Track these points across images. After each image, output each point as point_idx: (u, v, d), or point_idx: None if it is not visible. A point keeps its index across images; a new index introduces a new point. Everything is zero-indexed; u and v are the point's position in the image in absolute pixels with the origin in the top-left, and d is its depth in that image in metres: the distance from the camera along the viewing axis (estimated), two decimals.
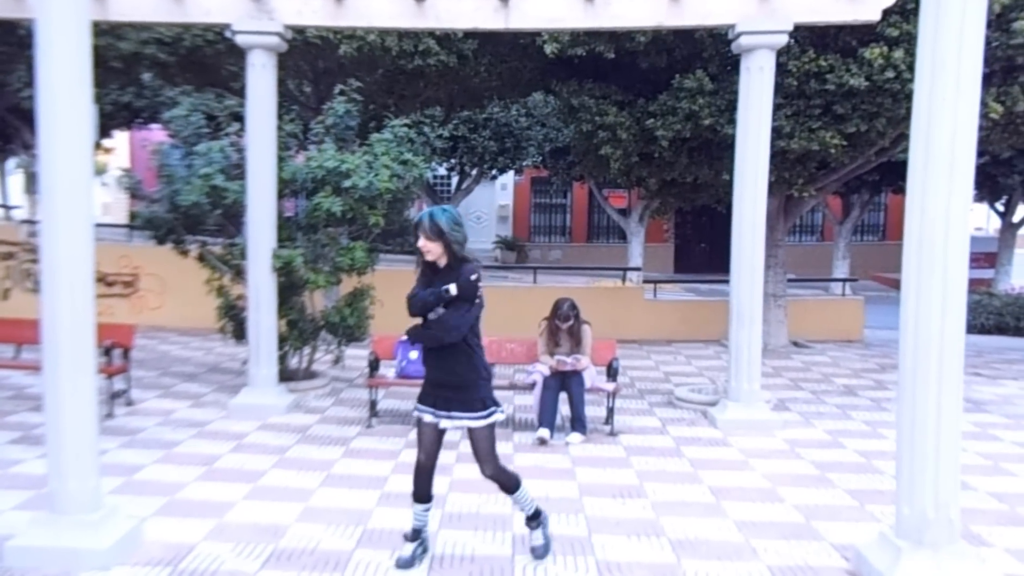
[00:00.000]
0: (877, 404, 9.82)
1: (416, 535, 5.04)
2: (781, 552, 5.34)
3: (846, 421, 8.98)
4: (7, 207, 23.92)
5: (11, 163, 25.38)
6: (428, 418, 4.84)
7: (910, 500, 4.73)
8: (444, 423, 4.82)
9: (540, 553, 5.10)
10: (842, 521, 5.93)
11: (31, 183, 21.63)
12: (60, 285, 4.80)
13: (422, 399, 4.90)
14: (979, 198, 19.65)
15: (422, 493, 4.97)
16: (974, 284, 5.31)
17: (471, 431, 4.84)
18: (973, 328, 9.35)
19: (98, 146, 20.77)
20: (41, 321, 4.84)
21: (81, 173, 4.84)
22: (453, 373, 4.77)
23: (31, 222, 15.27)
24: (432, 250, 4.64)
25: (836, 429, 8.59)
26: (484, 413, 4.81)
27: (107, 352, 8.38)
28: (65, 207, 4.78)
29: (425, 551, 5.10)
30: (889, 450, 6.86)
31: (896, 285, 5.04)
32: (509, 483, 5.01)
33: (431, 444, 4.91)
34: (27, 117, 17.31)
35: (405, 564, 4.94)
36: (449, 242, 4.62)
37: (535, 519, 5.12)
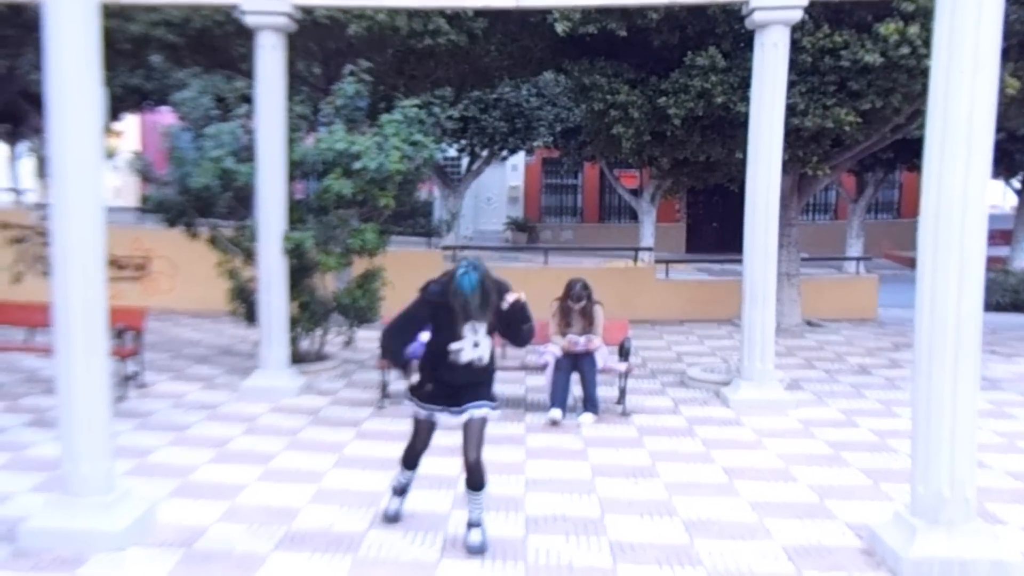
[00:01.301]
0: (891, 383, 9.77)
1: (403, 491, 5.35)
2: (795, 532, 5.32)
3: (860, 400, 8.93)
4: (18, 191, 24.01)
5: (22, 147, 25.44)
6: (449, 419, 4.93)
7: (925, 479, 4.69)
8: (463, 417, 4.87)
9: (478, 550, 4.93)
10: (856, 500, 5.90)
11: (42, 167, 21.66)
12: (72, 268, 4.80)
13: (430, 399, 4.92)
14: (995, 175, 19.47)
15: (412, 463, 5.25)
16: (990, 262, 5.25)
17: (474, 420, 4.87)
18: (989, 306, 9.24)
19: (108, 129, 20.76)
20: (53, 304, 4.84)
21: (91, 156, 4.84)
22: (484, 372, 4.89)
23: (42, 206, 15.29)
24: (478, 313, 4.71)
25: (850, 408, 8.55)
26: (494, 404, 4.98)
27: (119, 335, 8.39)
28: (76, 190, 4.77)
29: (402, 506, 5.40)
30: (903, 429, 6.82)
31: (910, 263, 5.00)
32: (483, 479, 4.95)
33: (428, 436, 5.11)
34: (36, 101, 17.33)
35: (393, 517, 5.31)
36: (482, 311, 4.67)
37: (479, 524, 5.02)
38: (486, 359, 4.85)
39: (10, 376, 9.39)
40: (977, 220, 4.51)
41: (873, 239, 24.06)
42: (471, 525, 5.01)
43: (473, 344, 4.77)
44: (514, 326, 4.91)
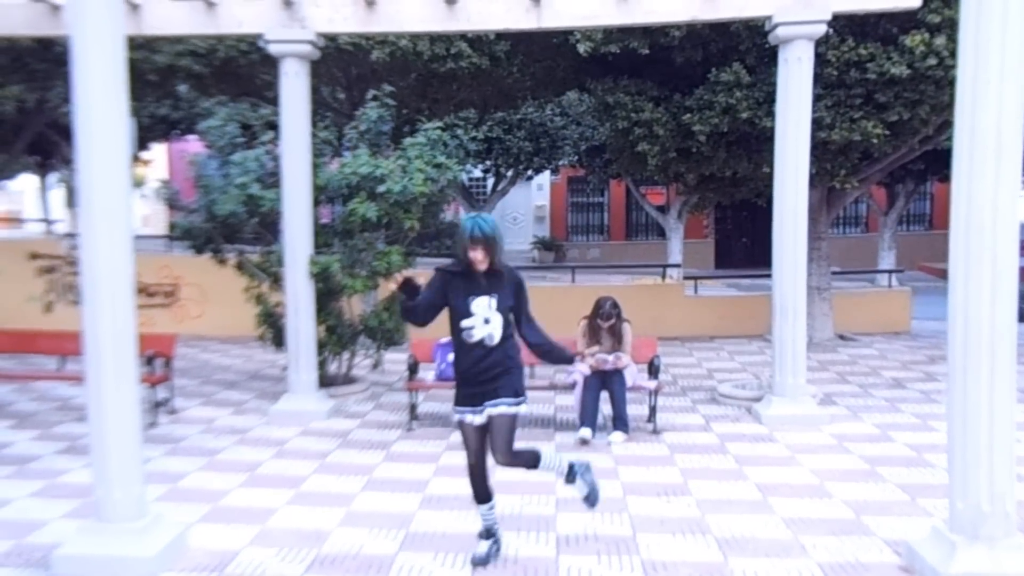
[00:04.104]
0: (927, 396, 9.62)
1: (489, 533, 5.10)
2: (831, 548, 5.23)
3: (895, 414, 8.80)
4: (49, 221, 24.36)
5: (52, 178, 25.86)
6: (471, 418, 4.83)
7: (964, 493, 4.60)
8: (487, 411, 4.77)
9: (592, 500, 5.07)
10: (893, 516, 5.79)
11: (71, 197, 21.99)
12: (101, 297, 4.84)
13: (460, 402, 4.88)
14: None
15: (482, 494, 5.01)
16: (1023, 272, 5.18)
17: (498, 418, 4.76)
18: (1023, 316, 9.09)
19: (136, 158, 21.09)
20: (84, 333, 4.88)
21: (120, 186, 4.89)
22: (496, 367, 4.79)
23: (72, 235, 15.51)
24: (484, 259, 4.67)
25: (885, 423, 8.42)
26: (520, 400, 4.84)
27: (149, 362, 8.47)
28: (105, 220, 4.82)
29: (499, 549, 5.11)
30: (940, 443, 6.70)
31: (944, 275, 4.91)
32: (530, 461, 4.93)
33: (478, 444, 4.90)
34: (66, 132, 17.62)
35: (481, 561, 5.01)
36: (498, 249, 4.68)
37: (571, 474, 5.03)
38: (497, 338, 4.74)
39: (43, 404, 9.49)
40: (1008, 230, 4.44)
41: (905, 251, 23.82)
42: (571, 484, 5.05)
43: (484, 320, 4.71)
44: (557, 353, 5.08)
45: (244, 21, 8.49)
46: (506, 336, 4.81)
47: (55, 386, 10.04)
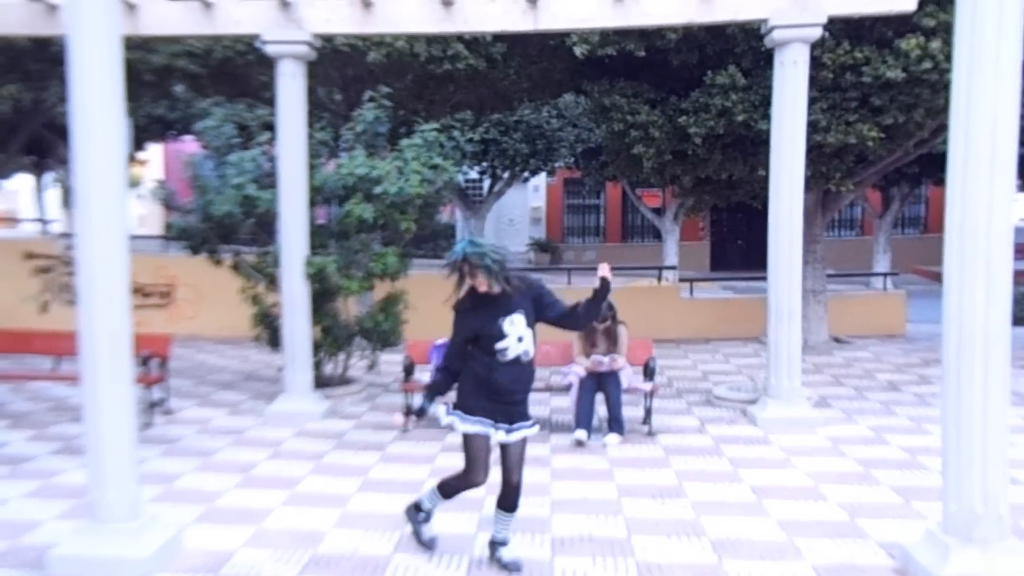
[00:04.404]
0: (921, 399, 9.64)
1: (428, 517, 5.19)
2: (826, 551, 5.24)
3: (890, 417, 8.82)
4: (44, 221, 24.33)
5: (48, 178, 25.83)
6: (497, 434, 4.70)
7: (957, 496, 4.62)
8: (521, 433, 4.76)
9: (518, 567, 4.95)
10: (888, 519, 5.81)
11: (67, 197, 21.98)
12: (97, 297, 4.84)
13: (481, 413, 4.69)
14: (1021, 188, 19.24)
15: (452, 497, 5.04)
16: (1017, 276, 5.20)
17: (518, 442, 4.77)
18: (1017, 320, 9.03)
19: (132, 159, 21.07)
20: (79, 333, 4.88)
21: (116, 186, 4.88)
22: (528, 382, 4.81)
23: (68, 235, 15.50)
24: (484, 282, 4.58)
25: (879, 425, 8.44)
26: (533, 422, 4.87)
27: (145, 362, 8.47)
28: (100, 220, 4.82)
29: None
30: (934, 446, 6.72)
31: (938, 278, 4.93)
32: (518, 500, 4.92)
33: (488, 459, 4.77)
34: (62, 132, 17.61)
35: (433, 541, 5.17)
36: (494, 267, 4.55)
37: (508, 543, 5.01)
38: (531, 352, 4.74)
39: (38, 405, 9.48)
40: (1003, 233, 4.46)
41: (900, 254, 23.84)
42: (502, 544, 4.97)
43: (517, 339, 4.65)
44: (592, 304, 4.83)
45: (241, 21, 8.49)
46: (533, 367, 4.83)
47: (50, 386, 10.02)
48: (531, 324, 4.74)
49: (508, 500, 4.88)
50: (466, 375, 4.77)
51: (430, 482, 6.57)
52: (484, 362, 4.67)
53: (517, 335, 4.66)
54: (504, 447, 4.77)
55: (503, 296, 4.64)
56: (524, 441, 4.82)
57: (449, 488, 4.97)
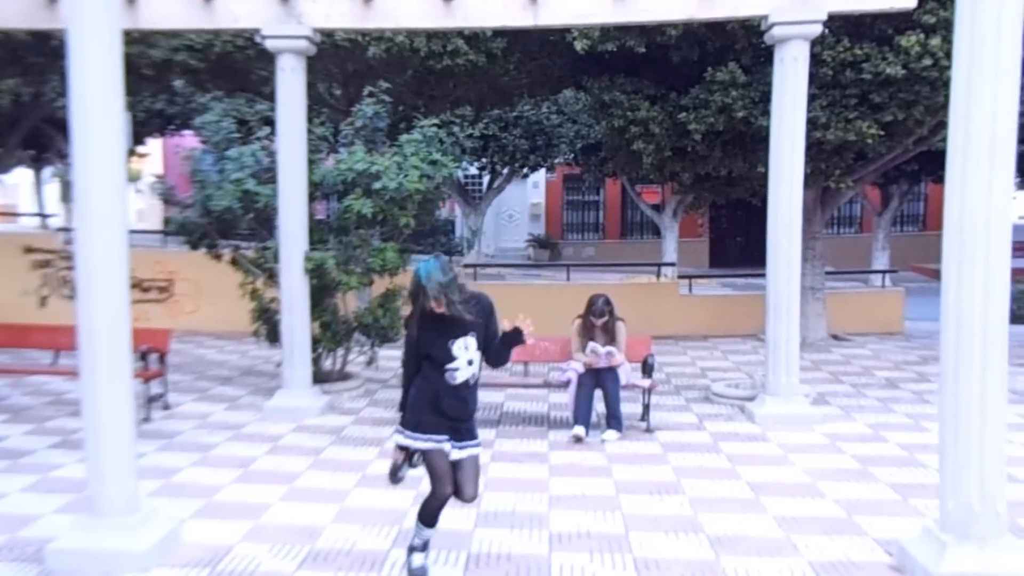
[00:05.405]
0: (919, 397, 9.65)
1: (425, 546, 4.83)
2: (823, 547, 5.25)
3: (887, 414, 8.83)
4: (43, 215, 24.31)
5: (47, 172, 25.78)
6: (450, 449, 4.59)
7: (955, 493, 4.63)
8: (468, 451, 4.65)
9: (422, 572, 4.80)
10: (885, 516, 5.82)
11: (67, 191, 21.97)
12: (96, 291, 4.84)
13: (430, 429, 4.57)
14: (1020, 185, 19.24)
15: (435, 520, 4.76)
16: (1015, 274, 5.21)
17: (473, 458, 4.69)
18: (1015, 318, 9.02)
19: (131, 153, 21.04)
20: (78, 327, 4.88)
21: (115, 180, 4.88)
22: (471, 405, 4.69)
23: (67, 230, 15.49)
24: (440, 304, 4.45)
25: (877, 422, 8.45)
26: (479, 441, 4.76)
27: (143, 357, 8.46)
28: (100, 214, 4.82)
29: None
30: (932, 443, 6.73)
31: (937, 276, 4.93)
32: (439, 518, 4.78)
33: (449, 473, 4.64)
34: (61, 126, 17.61)
35: (421, 572, 4.78)
36: (451, 290, 4.44)
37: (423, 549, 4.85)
38: (478, 375, 4.65)
39: (37, 399, 9.48)
40: (1001, 231, 4.46)
41: (899, 252, 23.84)
42: (420, 550, 4.79)
43: (467, 362, 4.56)
44: (502, 348, 4.72)
45: (241, 16, 8.47)
46: (476, 388, 4.72)
47: (49, 380, 10.02)
48: (481, 348, 4.63)
49: (434, 514, 4.71)
50: (419, 390, 4.65)
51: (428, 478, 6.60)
52: (433, 380, 4.58)
53: (467, 358, 4.56)
54: (456, 463, 4.63)
55: (456, 317, 4.50)
56: (475, 458, 4.71)
57: (427, 513, 4.73)
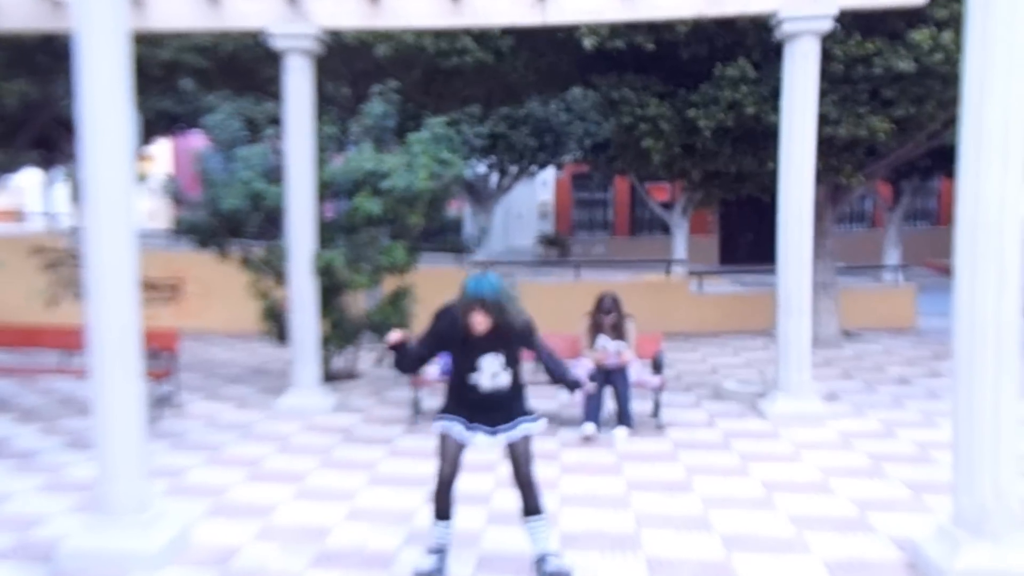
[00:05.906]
0: (932, 393, 9.60)
1: (438, 550, 4.79)
2: (835, 545, 5.22)
3: (900, 411, 8.78)
4: (52, 215, 24.39)
5: (56, 172, 25.86)
6: (482, 439, 4.63)
7: (969, 490, 4.59)
8: (499, 439, 4.65)
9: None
10: (898, 513, 5.78)
11: (75, 191, 22.02)
12: (105, 291, 4.84)
13: (453, 412, 4.68)
14: None
15: (445, 510, 4.75)
16: None
17: (516, 442, 4.66)
18: None
19: (140, 153, 21.07)
20: (88, 327, 4.89)
21: (124, 180, 4.88)
22: (509, 396, 4.69)
23: (76, 230, 15.54)
24: (484, 322, 4.42)
25: (890, 419, 8.40)
26: (534, 417, 4.75)
27: (153, 356, 8.46)
28: (109, 214, 4.82)
29: (442, 570, 4.77)
30: (945, 440, 6.67)
31: (950, 272, 4.90)
32: (538, 501, 4.76)
33: (457, 457, 4.69)
34: (70, 127, 17.62)
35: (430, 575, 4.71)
36: (504, 311, 4.41)
37: (551, 553, 4.77)
38: (507, 386, 4.61)
39: (46, 398, 9.50)
40: (1015, 227, 4.42)
41: (911, 247, 23.75)
42: (544, 557, 4.68)
43: (491, 375, 4.55)
44: (557, 378, 4.89)
45: (248, 16, 8.48)
46: (517, 383, 4.69)
47: (58, 380, 10.04)
48: (512, 365, 4.60)
49: (525, 501, 4.70)
50: (449, 384, 4.75)
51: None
52: (460, 383, 4.64)
53: (491, 372, 4.56)
54: (509, 448, 4.67)
55: (489, 335, 4.49)
56: (525, 440, 4.67)
57: (438, 504, 4.73)
